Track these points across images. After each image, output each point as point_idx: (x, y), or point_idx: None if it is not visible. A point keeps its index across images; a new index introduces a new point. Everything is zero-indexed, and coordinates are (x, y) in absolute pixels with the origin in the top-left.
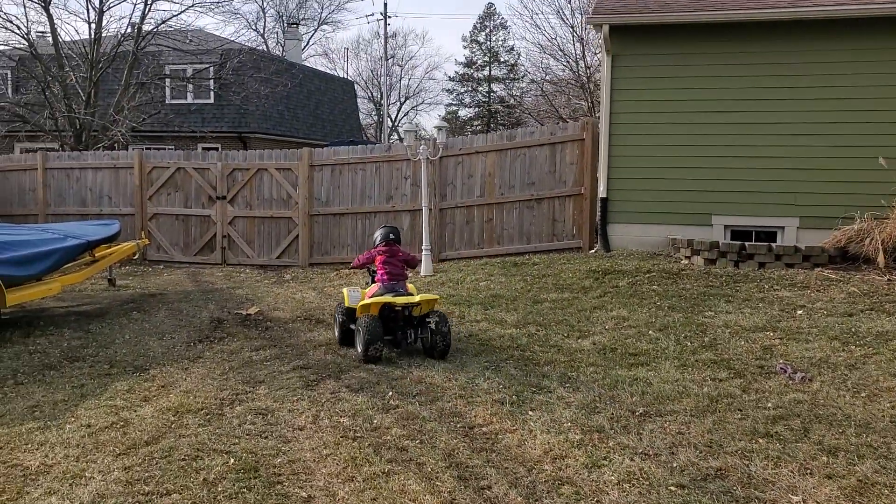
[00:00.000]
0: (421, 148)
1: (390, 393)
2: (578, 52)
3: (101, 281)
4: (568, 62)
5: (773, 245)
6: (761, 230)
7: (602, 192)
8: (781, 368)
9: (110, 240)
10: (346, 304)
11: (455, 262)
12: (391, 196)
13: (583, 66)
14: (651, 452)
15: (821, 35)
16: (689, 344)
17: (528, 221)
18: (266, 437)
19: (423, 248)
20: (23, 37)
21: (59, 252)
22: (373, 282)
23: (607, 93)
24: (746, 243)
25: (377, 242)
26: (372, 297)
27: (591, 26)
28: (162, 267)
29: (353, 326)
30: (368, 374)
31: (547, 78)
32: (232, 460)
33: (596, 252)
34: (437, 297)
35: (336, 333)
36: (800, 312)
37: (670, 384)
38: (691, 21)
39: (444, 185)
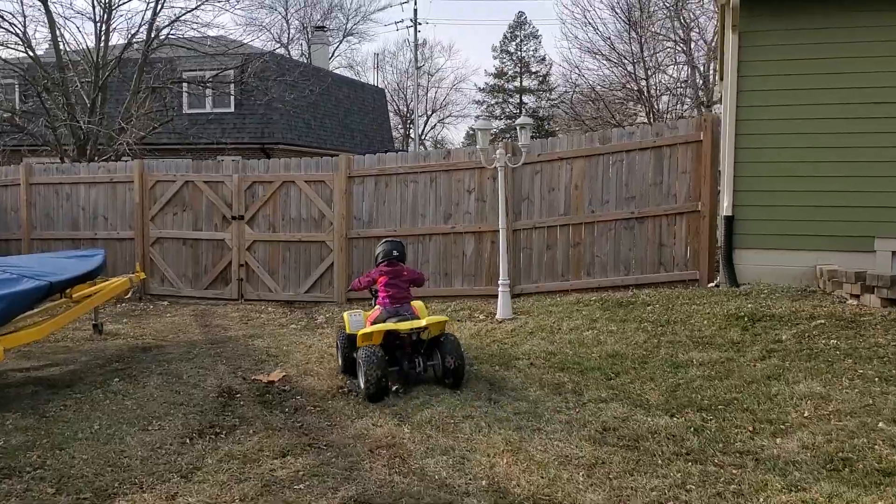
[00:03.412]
0: (498, 152)
1: None
2: (636, 52)
3: (87, 325)
4: (623, 64)
5: None
6: None
7: (726, 208)
8: None
9: (91, 276)
10: (348, 331)
11: (535, 299)
12: (450, 214)
13: (640, 68)
14: None
15: None
16: None
17: (626, 246)
18: None
19: (499, 282)
20: (19, 35)
21: (6, 299)
22: (375, 304)
23: (733, 81)
24: None
25: (378, 260)
26: (374, 322)
27: None
28: (166, 303)
29: (356, 355)
30: None
31: (601, 84)
32: None
33: (720, 287)
34: (446, 318)
35: (339, 362)
36: None
37: None
38: None
39: (519, 200)
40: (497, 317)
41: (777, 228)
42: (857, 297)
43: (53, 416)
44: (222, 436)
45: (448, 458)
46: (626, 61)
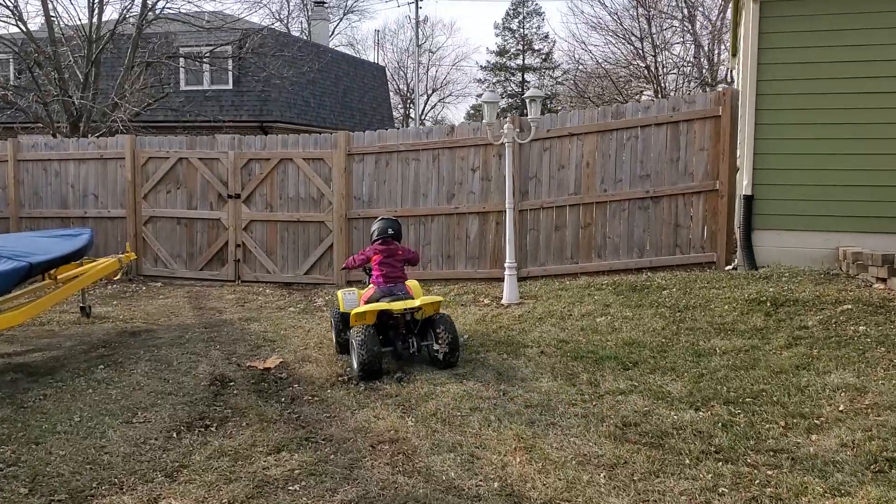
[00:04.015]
0: (506, 127)
1: None
2: (643, 28)
3: (74, 307)
4: (630, 40)
5: None
6: None
7: (745, 187)
8: None
9: (76, 256)
10: (341, 309)
11: (543, 283)
12: (453, 194)
13: (648, 44)
14: None
15: None
16: None
17: (640, 227)
18: None
19: (505, 265)
20: (9, 8)
21: None
22: (369, 283)
23: (753, 53)
24: None
25: (373, 238)
26: (367, 301)
27: None
28: (160, 284)
29: (349, 334)
30: None
31: (607, 61)
32: None
33: (738, 269)
34: (440, 299)
35: (333, 340)
36: None
37: None
38: None
39: (526, 178)
40: (503, 301)
41: (798, 208)
42: (884, 280)
43: (32, 406)
44: (212, 429)
45: (456, 455)
46: (633, 37)
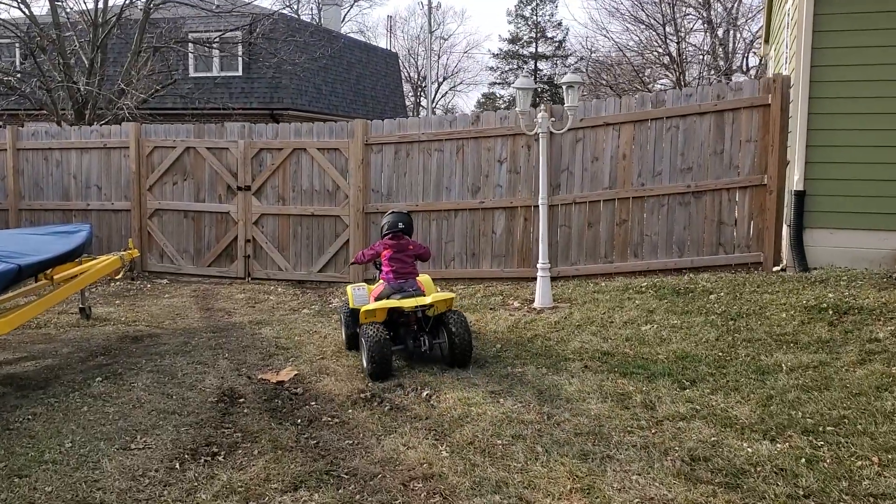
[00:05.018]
0: (540, 115)
1: None
2: (666, 13)
3: (74, 307)
4: (652, 27)
5: None
6: None
7: (796, 182)
8: None
9: (73, 255)
10: (351, 306)
11: (576, 284)
12: (478, 187)
13: (671, 30)
14: None
15: None
16: None
17: (680, 224)
18: None
19: (538, 265)
20: None
21: None
22: (379, 279)
23: (806, 37)
24: None
25: (383, 233)
26: (377, 298)
27: None
28: (165, 282)
29: (359, 331)
30: None
31: (628, 47)
32: None
33: (786, 271)
34: (452, 295)
35: (343, 336)
36: None
37: None
38: None
39: (557, 171)
40: (535, 305)
41: (854, 205)
42: None
43: (18, 428)
44: (220, 458)
45: (501, 497)
46: (655, 22)
